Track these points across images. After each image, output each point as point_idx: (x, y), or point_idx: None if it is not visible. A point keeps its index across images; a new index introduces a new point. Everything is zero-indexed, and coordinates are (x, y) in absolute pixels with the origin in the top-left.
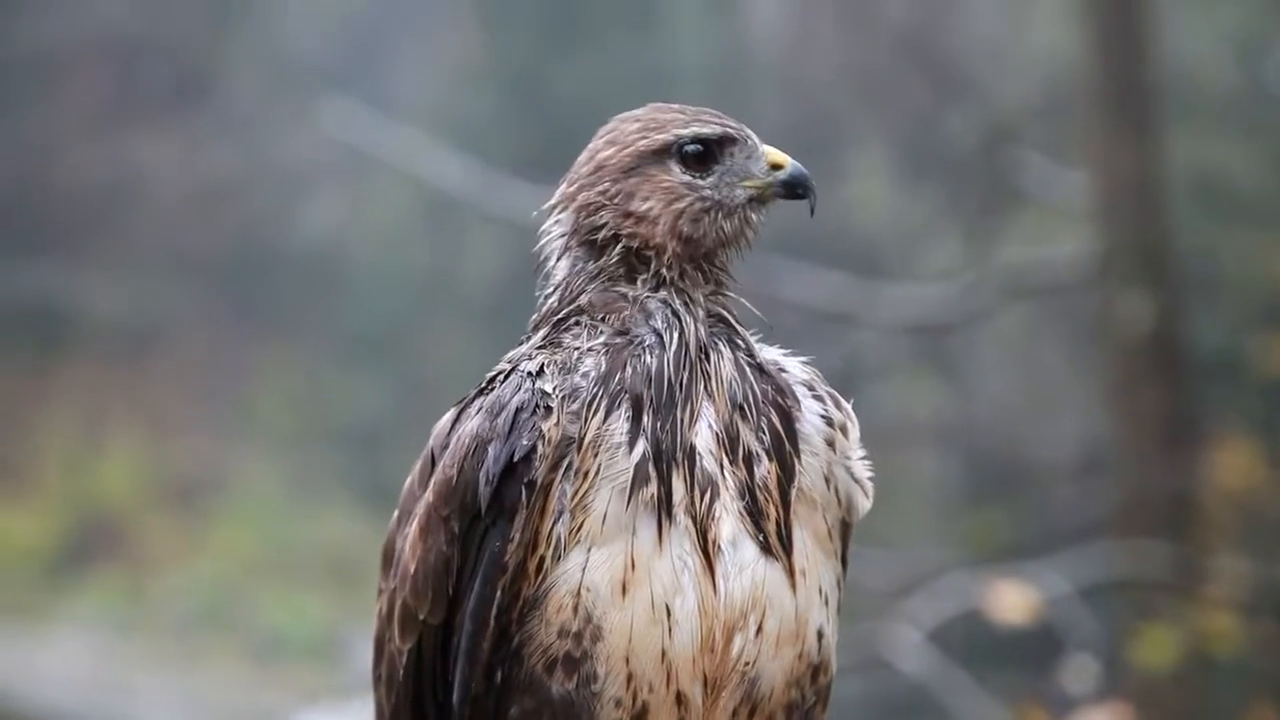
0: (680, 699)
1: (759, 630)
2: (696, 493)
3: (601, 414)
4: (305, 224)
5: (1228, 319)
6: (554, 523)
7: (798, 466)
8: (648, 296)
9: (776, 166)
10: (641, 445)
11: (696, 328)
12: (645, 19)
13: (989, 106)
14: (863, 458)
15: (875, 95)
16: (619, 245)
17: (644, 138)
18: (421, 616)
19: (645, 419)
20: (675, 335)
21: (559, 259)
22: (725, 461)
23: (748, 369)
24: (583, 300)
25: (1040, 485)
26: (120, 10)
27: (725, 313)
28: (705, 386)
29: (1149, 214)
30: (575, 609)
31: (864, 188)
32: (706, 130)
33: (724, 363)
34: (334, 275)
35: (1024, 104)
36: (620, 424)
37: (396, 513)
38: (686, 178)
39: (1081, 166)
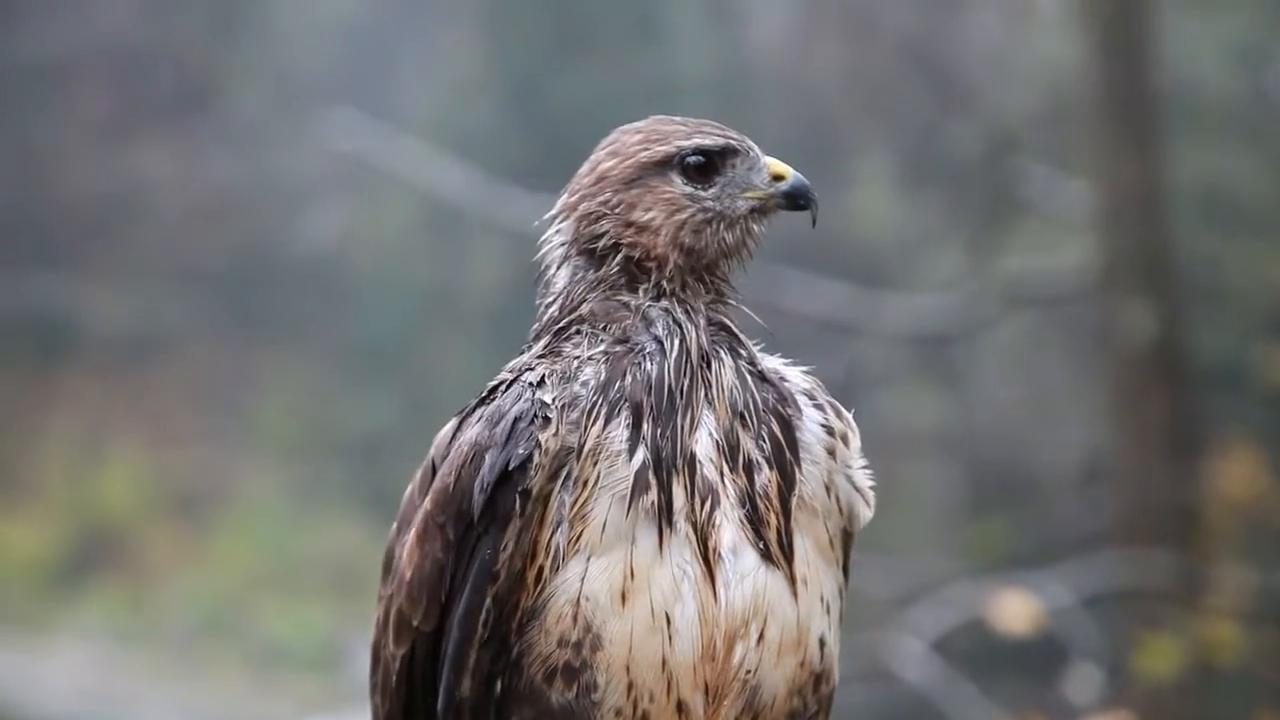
0: (681, 707)
1: (760, 638)
2: (697, 500)
3: (601, 422)
4: (308, 234)
5: (1231, 329)
6: (553, 532)
7: (798, 475)
8: (649, 305)
9: (778, 177)
10: (641, 453)
11: (698, 335)
12: (647, 29)
13: (991, 116)
14: (864, 467)
15: (877, 105)
16: (619, 255)
17: (646, 149)
18: (415, 623)
19: (645, 426)
20: (676, 342)
21: (559, 268)
22: (725, 469)
23: (749, 377)
24: (584, 309)
25: (1043, 495)
26: (124, 21)
27: (727, 321)
28: (706, 394)
29: (1151, 223)
30: (575, 618)
31: (866, 197)
32: (708, 142)
33: (725, 370)
34: (336, 286)
35: (1026, 114)
36: (620, 432)
37: (397, 521)
38: (689, 189)
39: (1084, 176)
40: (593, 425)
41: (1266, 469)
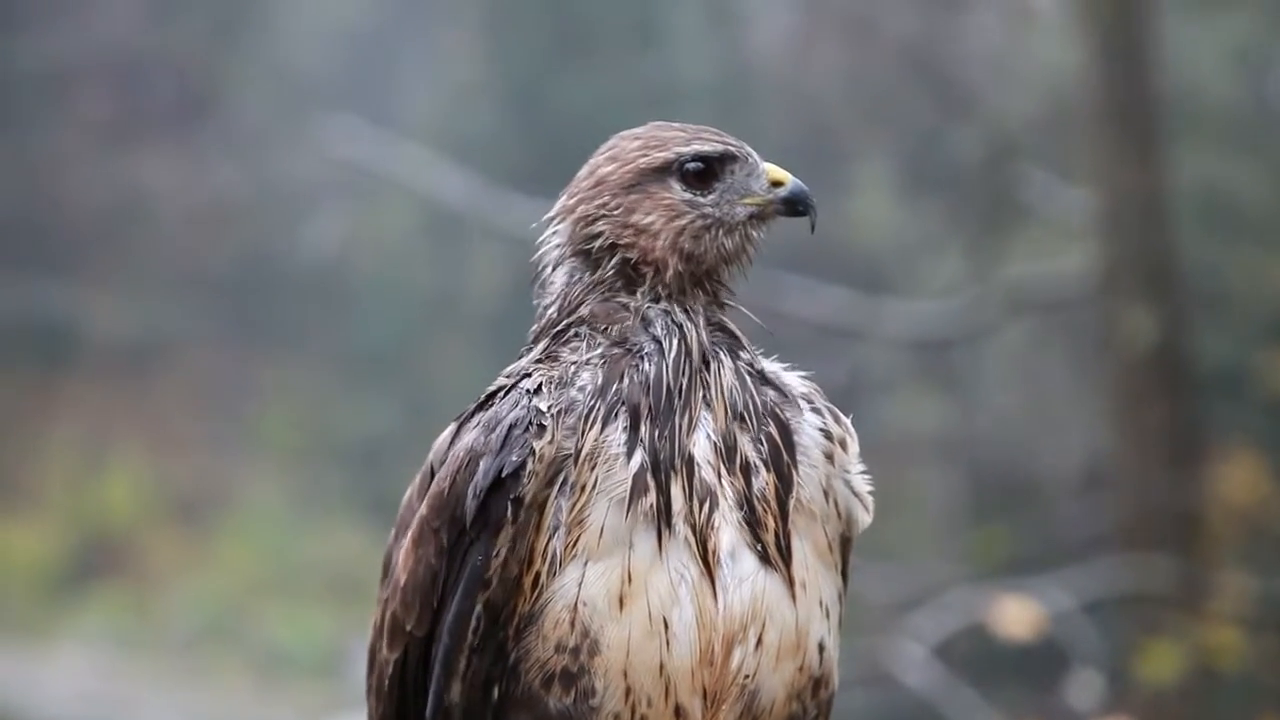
0: (679, 712)
1: (759, 643)
2: (695, 502)
3: (598, 426)
4: (309, 241)
5: (1232, 334)
6: (549, 538)
7: (796, 478)
8: (648, 306)
9: (777, 184)
10: (639, 455)
11: (698, 334)
12: (647, 34)
13: (992, 122)
14: (862, 472)
15: (878, 110)
16: (616, 256)
17: (645, 155)
18: (408, 627)
19: (643, 428)
20: (675, 341)
21: (555, 269)
22: (723, 471)
23: (748, 378)
24: (583, 310)
25: (1044, 500)
26: (124, 28)
27: (726, 323)
28: (705, 395)
29: (1152, 229)
30: (572, 623)
31: (867, 203)
32: (707, 148)
33: (725, 371)
34: (338, 292)
35: (1027, 119)
36: (617, 435)
37: (395, 525)
38: (687, 195)
39: (1085, 181)
40: (590, 429)
41: (1267, 474)
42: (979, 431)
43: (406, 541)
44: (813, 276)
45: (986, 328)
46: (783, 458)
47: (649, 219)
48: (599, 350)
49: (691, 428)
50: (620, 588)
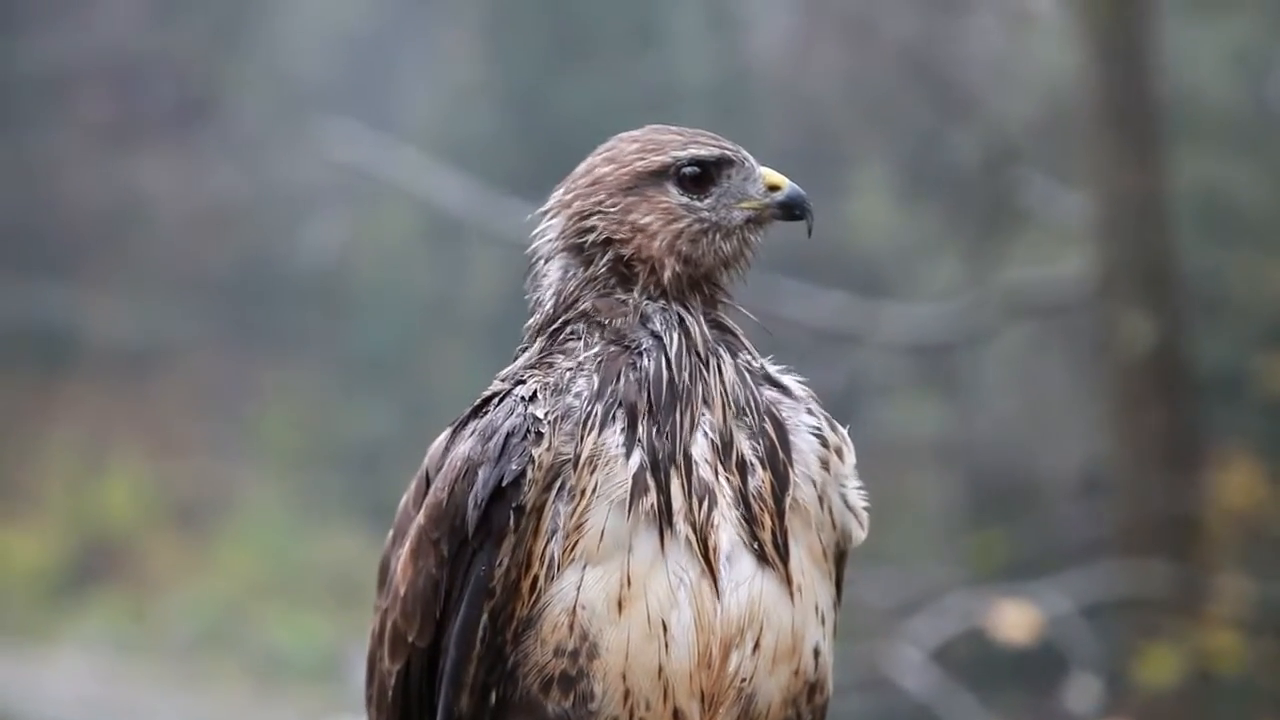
0: (678, 715)
1: (756, 646)
2: (694, 500)
3: (596, 430)
4: (308, 244)
5: (1230, 338)
6: (547, 542)
7: (792, 476)
8: (646, 303)
9: (774, 188)
10: (638, 454)
11: (701, 329)
12: (646, 38)
13: (991, 125)
14: (859, 488)
15: (877, 114)
16: (609, 253)
17: (642, 159)
18: (410, 639)
19: (641, 427)
20: (676, 336)
21: (548, 262)
22: (720, 468)
23: (748, 375)
24: (581, 306)
25: (1043, 504)
26: (124, 31)
27: (725, 321)
28: (705, 390)
29: (1151, 233)
30: (571, 627)
31: (866, 206)
32: (704, 152)
33: (726, 367)
34: (337, 296)
35: (1026, 123)
36: (615, 436)
37: (392, 531)
38: (684, 199)
39: (1083, 186)
40: (588, 434)
41: (1266, 478)
42: (977, 435)
43: (405, 552)
44: (811, 280)
45: (985, 331)
46: (778, 456)
47: (646, 219)
48: (595, 349)
49: (692, 425)
50: (619, 591)
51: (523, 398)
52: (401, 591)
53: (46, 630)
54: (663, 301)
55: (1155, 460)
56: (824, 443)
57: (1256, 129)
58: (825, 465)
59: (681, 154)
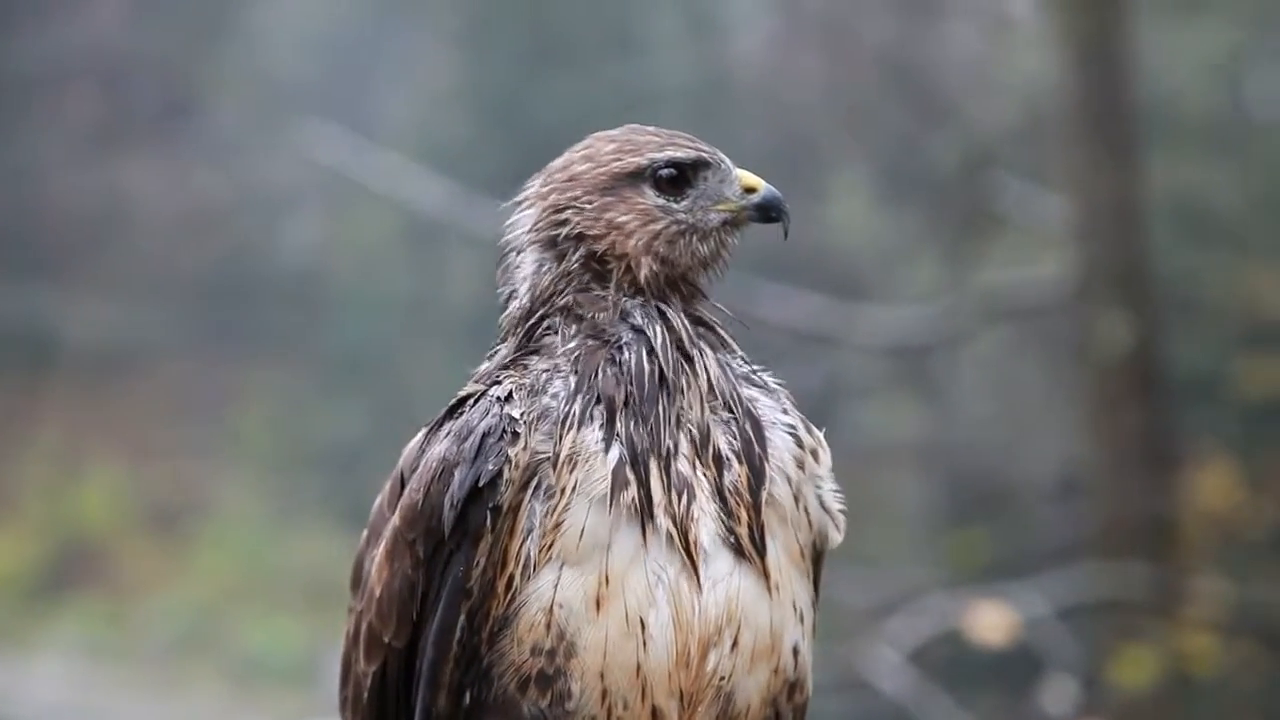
0: (656, 714)
1: (734, 644)
2: (674, 494)
3: (575, 428)
4: (287, 247)
5: (1206, 341)
6: (523, 540)
7: (767, 471)
8: (625, 300)
9: (750, 190)
10: (617, 449)
11: (683, 323)
12: (625, 42)
13: (969, 129)
14: (835, 490)
15: (855, 118)
16: (582, 248)
17: (619, 160)
18: (386, 639)
19: (620, 422)
20: (659, 329)
21: (520, 254)
22: (697, 462)
23: (727, 370)
24: (560, 301)
25: (1020, 506)
26: (105, 34)
27: (704, 316)
28: (687, 384)
29: (1128, 237)
30: (548, 626)
31: (844, 209)
32: (680, 155)
33: (709, 361)
34: (316, 298)
35: (1003, 127)
36: (595, 433)
37: (366, 532)
38: (660, 201)
39: (1061, 189)
40: (566, 433)
41: (1242, 480)
42: (955, 437)
43: (380, 553)
44: (789, 283)
45: (963, 334)
46: (754, 451)
47: (624, 219)
48: (573, 344)
49: (675, 420)
50: (597, 589)
51: (498, 398)
52: (377, 593)
53: (22, 635)
54: (641, 298)
55: (1132, 462)
56: (799, 442)
57: (1232, 133)
58: (800, 464)
59: (658, 156)
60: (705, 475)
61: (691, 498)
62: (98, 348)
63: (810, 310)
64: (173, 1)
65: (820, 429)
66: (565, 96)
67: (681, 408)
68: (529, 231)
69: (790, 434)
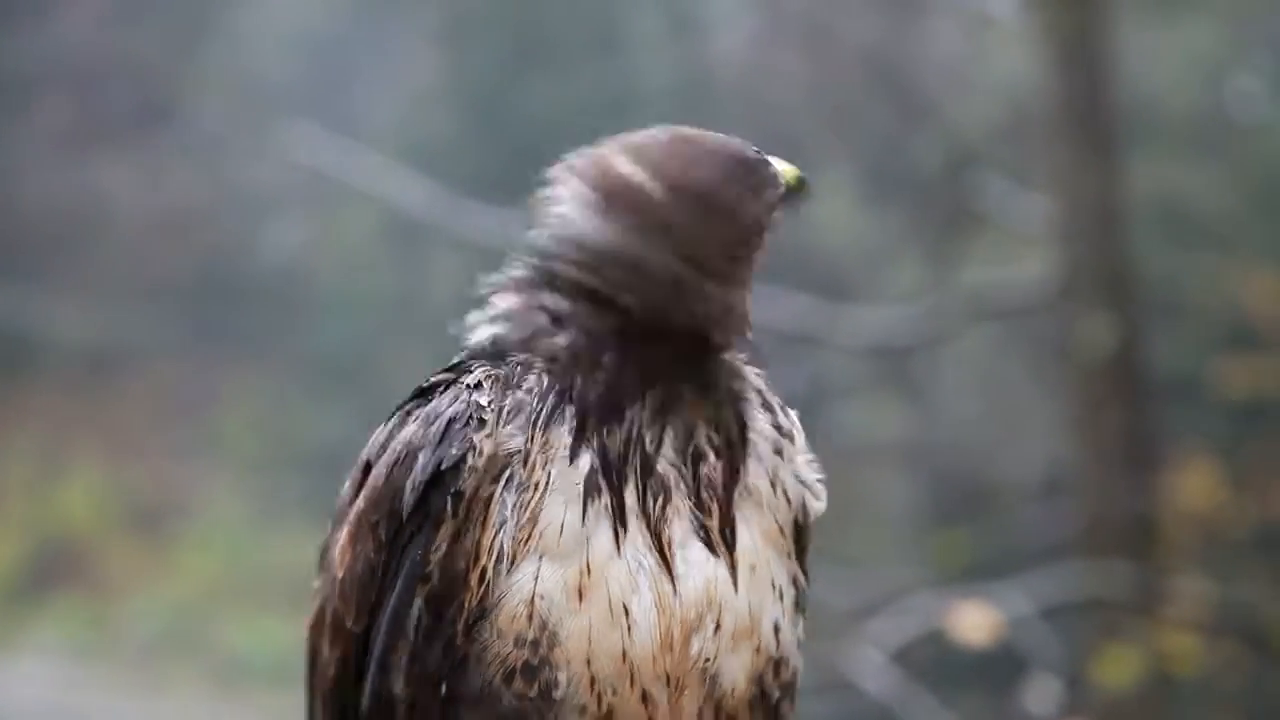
0: (646, 698)
1: (717, 627)
2: (649, 497)
3: (544, 425)
4: (270, 248)
5: (1189, 342)
6: (496, 533)
7: (745, 465)
8: None
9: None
10: (588, 455)
11: None
12: (607, 42)
13: (952, 129)
14: (810, 460)
15: (839, 118)
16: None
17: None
18: (349, 625)
19: (591, 424)
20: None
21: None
22: (675, 460)
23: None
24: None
25: (1003, 506)
26: (84, 34)
27: None
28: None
29: (1111, 237)
30: (529, 617)
31: (827, 210)
32: None
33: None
34: (299, 299)
35: (987, 127)
36: (564, 435)
37: (334, 517)
38: None
39: (1044, 189)
40: (538, 431)
41: (1225, 481)
42: (939, 437)
43: (343, 536)
44: (773, 283)
45: (946, 334)
46: (734, 444)
47: None
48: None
49: (653, 415)
50: (578, 580)
51: (468, 385)
52: (339, 575)
53: (2, 635)
54: None
55: (1115, 462)
56: (779, 429)
57: (1215, 134)
58: (779, 451)
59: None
60: (681, 473)
61: (667, 499)
62: (79, 349)
63: (793, 310)
64: (152, 2)
65: (806, 428)
66: (548, 96)
67: (664, 405)
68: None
69: (769, 424)
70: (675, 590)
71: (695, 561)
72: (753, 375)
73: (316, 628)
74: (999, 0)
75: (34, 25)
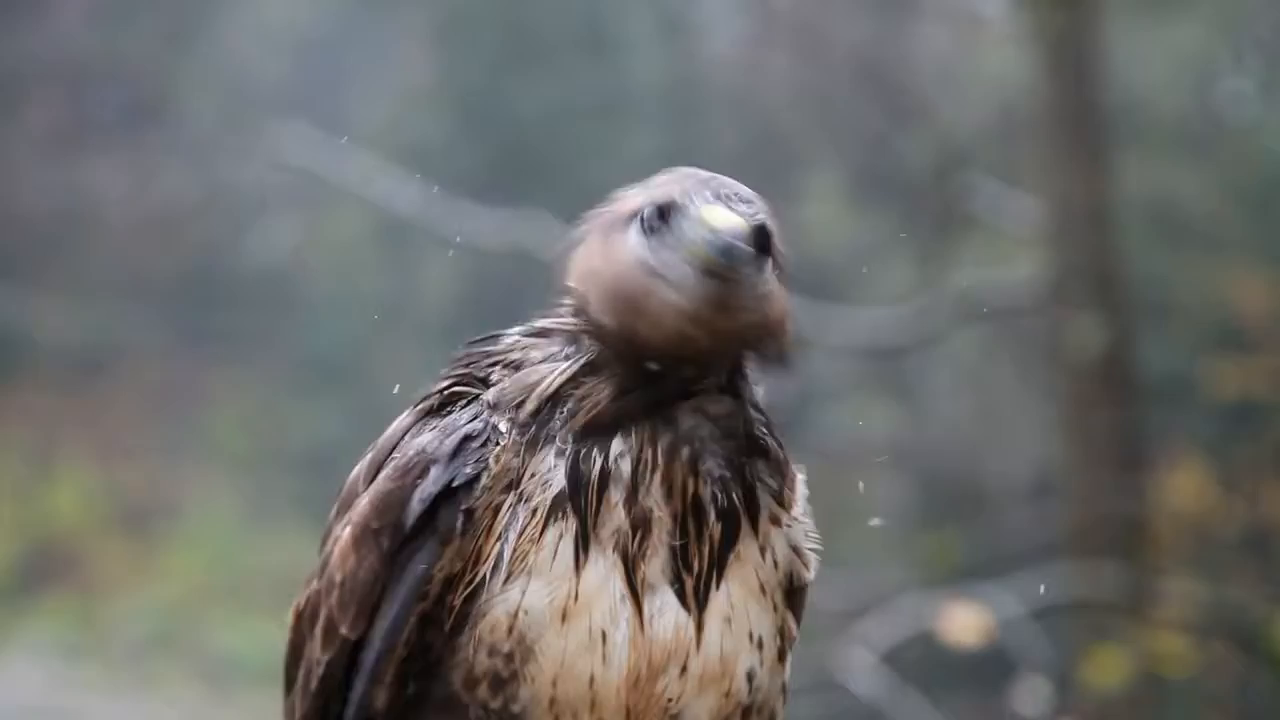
0: None
1: (683, 670)
2: (629, 528)
3: (537, 450)
4: (259, 248)
5: (1179, 343)
6: (498, 542)
7: (745, 533)
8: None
9: (711, 230)
10: (562, 482)
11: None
12: (598, 42)
13: (941, 130)
14: (805, 525)
15: (829, 119)
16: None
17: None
18: (343, 630)
19: (581, 452)
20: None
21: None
22: (661, 500)
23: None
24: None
25: (993, 507)
26: (73, 34)
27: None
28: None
29: (1100, 238)
30: (510, 629)
31: (817, 211)
32: (663, 195)
33: (683, 412)
34: (289, 299)
35: (977, 128)
36: (552, 459)
37: (337, 504)
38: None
39: (1034, 191)
40: (533, 452)
41: (1214, 481)
42: (929, 439)
43: (346, 536)
44: None
45: (936, 335)
46: (736, 512)
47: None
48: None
49: (641, 455)
50: (565, 602)
51: (489, 403)
52: (338, 579)
53: None
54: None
55: (1105, 463)
56: (779, 499)
57: (1204, 135)
58: (776, 520)
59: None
60: (670, 513)
61: (647, 534)
62: (69, 348)
63: None
64: (142, 2)
65: (796, 429)
66: (539, 97)
67: (647, 444)
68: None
69: (773, 494)
70: (644, 630)
71: (667, 606)
72: (774, 445)
73: (309, 625)
74: (988, 2)
75: (24, 25)
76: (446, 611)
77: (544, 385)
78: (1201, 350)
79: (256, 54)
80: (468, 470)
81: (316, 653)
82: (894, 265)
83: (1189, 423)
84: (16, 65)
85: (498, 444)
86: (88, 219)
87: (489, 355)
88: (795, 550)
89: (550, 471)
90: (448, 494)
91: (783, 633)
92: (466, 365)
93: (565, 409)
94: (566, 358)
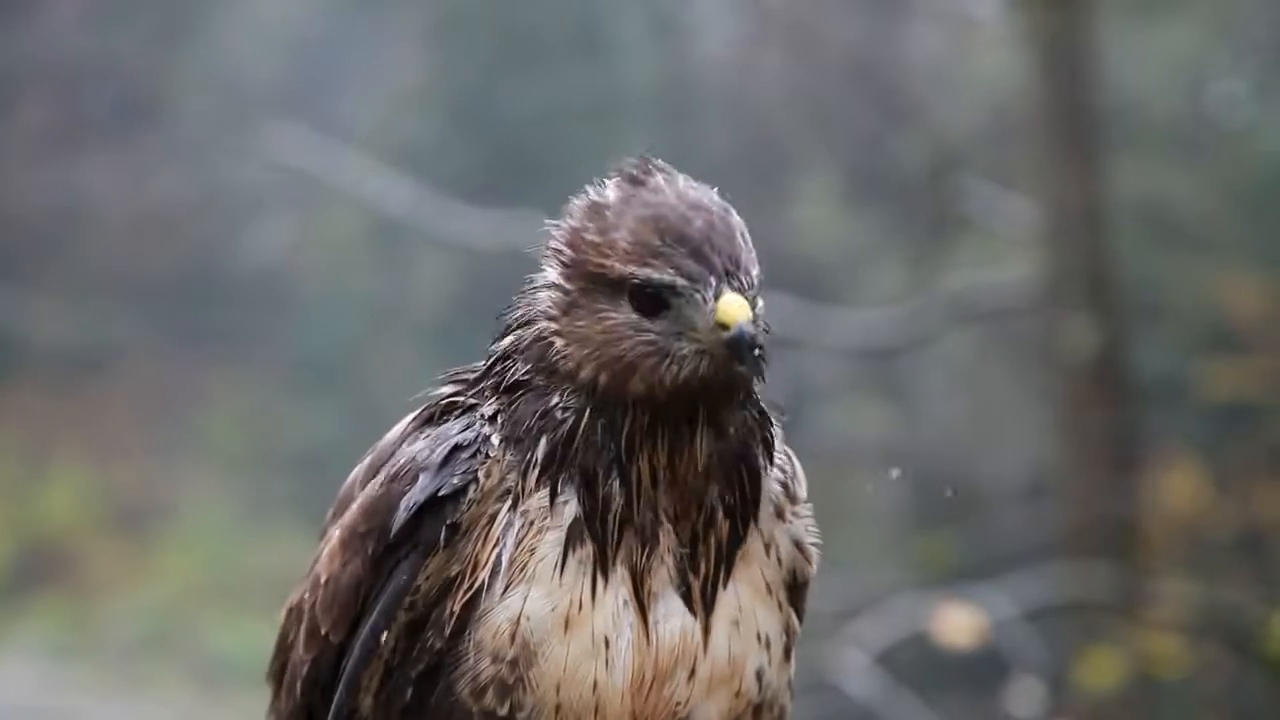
0: None
1: (691, 674)
2: (637, 544)
3: (539, 469)
4: (253, 249)
5: (1172, 344)
6: (495, 548)
7: (750, 531)
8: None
9: (723, 326)
10: (574, 506)
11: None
12: (592, 44)
13: (935, 132)
14: (807, 521)
15: (822, 120)
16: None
17: (605, 258)
18: (324, 631)
19: (588, 466)
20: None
21: (540, 278)
22: (670, 512)
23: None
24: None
25: (987, 508)
26: (66, 34)
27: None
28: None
29: (1094, 240)
30: (513, 636)
31: (811, 212)
32: (657, 275)
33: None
34: (283, 300)
35: (970, 130)
36: (563, 474)
37: (334, 506)
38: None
39: (1027, 192)
40: (533, 471)
41: (1208, 482)
42: (922, 440)
43: (335, 538)
44: None
45: (929, 337)
46: (744, 507)
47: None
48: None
49: (649, 465)
50: (567, 610)
51: (483, 415)
52: (324, 579)
53: None
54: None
55: (1099, 465)
56: (787, 492)
57: (1197, 137)
58: (780, 514)
59: (639, 271)
60: (676, 527)
61: (655, 546)
62: (63, 349)
63: (777, 313)
64: (135, 1)
65: (792, 431)
66: (532, 98)
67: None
68: (547, 258)
69: (781, 484)
70: (649, 637)
71: (673, 612)
72: (768, 428)
73: (295, 622)
74: (982, 4)
75: (19, 24)
76: (446, 617)
77: (550, 422)
78: (1195, 352)
79: (251, 54)
80: (455, 480)
81: (300, 652)
82: (888, 266)
83: (1182, 424)
84: (11, 65)
85: (488, 455)
86: (82, 219)
87: (489, 373)
88: (798, 545)
89: (562, 496)
90: (434, 503)
91: (788, 630)
92: (466, 375)
93: (574, 437)
94: (568, 394)
